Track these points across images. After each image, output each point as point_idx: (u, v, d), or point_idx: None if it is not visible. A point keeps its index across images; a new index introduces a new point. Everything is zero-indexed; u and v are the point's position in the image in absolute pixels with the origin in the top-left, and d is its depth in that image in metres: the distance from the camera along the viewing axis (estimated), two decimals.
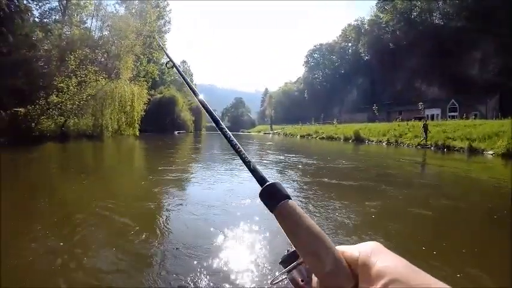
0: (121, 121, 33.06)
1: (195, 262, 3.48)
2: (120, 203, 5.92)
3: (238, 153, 0.49)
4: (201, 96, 0.63)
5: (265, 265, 3.45)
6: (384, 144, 29.24)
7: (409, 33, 68.56)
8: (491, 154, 19.93)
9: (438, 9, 67.92)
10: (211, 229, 4.52)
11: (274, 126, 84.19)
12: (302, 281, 0.42)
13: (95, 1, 35.62)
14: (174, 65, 0.87)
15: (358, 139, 33.56)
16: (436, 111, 47.55)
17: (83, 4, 34.26)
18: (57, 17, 33.25)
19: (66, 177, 9.25)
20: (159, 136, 39.71)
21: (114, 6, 45.37)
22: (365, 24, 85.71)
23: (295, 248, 0.38)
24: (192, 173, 10.22)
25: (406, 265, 0.33)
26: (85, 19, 36.55)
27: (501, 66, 46.88)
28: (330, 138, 38.79)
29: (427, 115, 46.76)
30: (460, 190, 8.40)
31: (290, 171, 10.70)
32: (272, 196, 0.39)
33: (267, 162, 13.45)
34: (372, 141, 31.72)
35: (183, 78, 0.70)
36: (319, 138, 40.79)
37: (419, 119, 38.34)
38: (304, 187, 7.92)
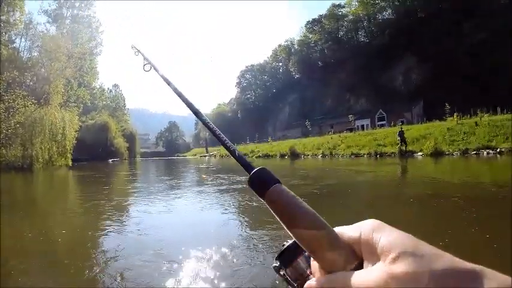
0: (52, 151, 30.66)
1: None
2: (54, 241, 5.10)
3: (224, 143, 0.49)
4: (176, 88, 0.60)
5: None
6: (319, 157, 30.27)
7: (336, 51, 74.28)
8: (421, 155, 22.06)
9: (363, 27, 74.54)
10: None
11: (209, 148, 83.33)
12: (301, 275, 0.39)
13: (25, 18, 33.05)
14: (153, 67, 0.80)
15: (294, 154, 34.19)
16: (366, 122, 51.39)
17: (12, 21, 31.22)
18: None
19: None
20: (93, 165, 36.74)
21: (45, 25, 41.91)
22: (295, 44, 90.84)
23: (289, 230, 0.36)
24: (131, 204, 8.94)
25: (411, 238, 0.32)
26: (14, 38, 33.59)
27: (423, 76, 52.70)
28: (267, 156, 39.12)
29: (357, 126, 50.28)
30: (396, 189, 8.93)
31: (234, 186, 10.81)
32: (261, 181, 0.38)
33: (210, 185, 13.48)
34: (307, 155, 32.74)
35: (168, 83, 0.68)
36: (256, 157, 40.46)
37: (351, 130, 41.01)
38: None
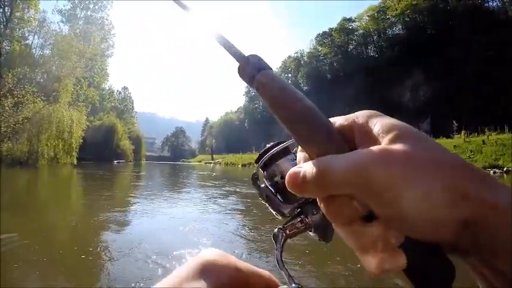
0: (58, 148, 30.87)
1: None
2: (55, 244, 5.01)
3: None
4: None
5: None
6: None
7: (345, 65, 74.41)
8: None
9: (373, 42, 74.77)
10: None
11: (215, 156, 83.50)
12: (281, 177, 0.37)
13: (39, 16, 33.74)
14: None
15: None
16: None
17: (26, 18, 32.06)
18: None
19: None
20: (98, 165, 36.50)
21: (58, 24, 42.78)
22: (304, 56, 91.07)
23: (277, 115, 0.32)
24: (134, 208, 8.69)
25: (409, 125, 0.28)
26: (27, 35, 34.30)
27: (431, 92, 52.41)
28: None
29: None
30: None
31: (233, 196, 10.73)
32: (250, 68, 0.34)
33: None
34: None
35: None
36: None
37: None
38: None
